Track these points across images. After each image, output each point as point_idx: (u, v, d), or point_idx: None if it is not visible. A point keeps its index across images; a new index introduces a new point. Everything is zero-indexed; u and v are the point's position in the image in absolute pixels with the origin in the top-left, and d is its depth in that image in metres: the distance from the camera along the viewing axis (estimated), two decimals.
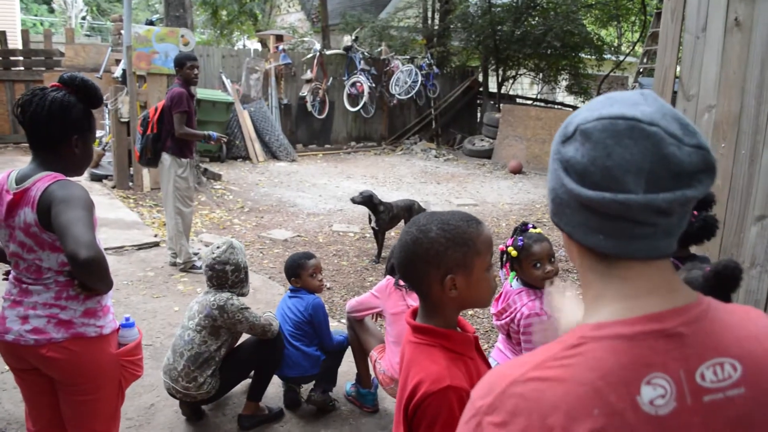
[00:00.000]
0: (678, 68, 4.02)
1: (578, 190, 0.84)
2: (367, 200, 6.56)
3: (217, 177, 10.08)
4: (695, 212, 2.64)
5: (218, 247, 3.27)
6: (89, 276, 1.92)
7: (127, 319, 2.26)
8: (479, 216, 8.73)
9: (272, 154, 12.71)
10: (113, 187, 8.83)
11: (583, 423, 0.78)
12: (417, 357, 1.48)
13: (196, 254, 6.00)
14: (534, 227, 2.88)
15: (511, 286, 2.80)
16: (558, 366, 0.82)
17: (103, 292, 2.09)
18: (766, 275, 3.49)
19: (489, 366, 1.57)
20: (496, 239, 7.82)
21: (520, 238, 2.77)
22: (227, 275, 3.21)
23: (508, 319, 2.75)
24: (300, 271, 3.55)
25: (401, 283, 3.24)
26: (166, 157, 5.67)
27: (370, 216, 6.66)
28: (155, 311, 4.89)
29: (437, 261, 1.43)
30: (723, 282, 2.03)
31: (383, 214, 6.57)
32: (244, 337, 3.43)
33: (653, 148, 0.80)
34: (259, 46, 15.82)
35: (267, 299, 5.29)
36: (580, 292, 1.00)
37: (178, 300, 5.15)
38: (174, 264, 5.90)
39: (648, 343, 0.82)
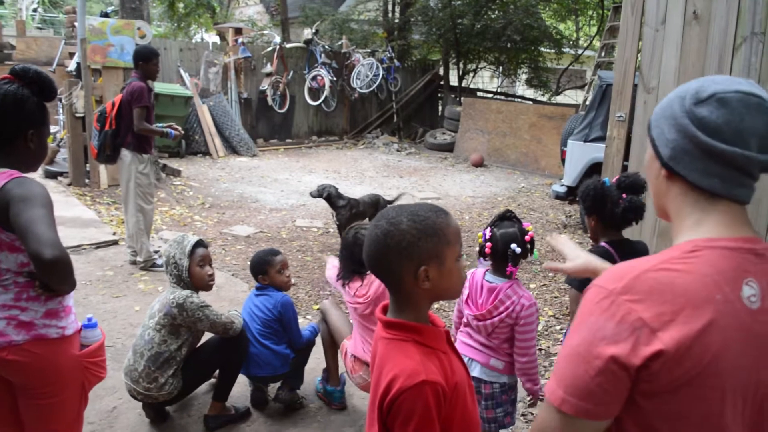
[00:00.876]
0: (638, 61, 4.08)
1: (710, 142, 1.09)
2: (324, 194, 6.52)
3: (176, 173, 9.90)
4: (624, 194, 2.69)
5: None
6: (53, 276, 1.84)
7: (90, 319, 2.18)
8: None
9: (233, 149, 12.53)
10: (69, 185, 8.60)
11: (707, 304, 1.03)
12: (390, 353, 1.46)
13: (156, 252, 5.88)
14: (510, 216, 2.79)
15: (488, 282, 2.72)
16: (683, 262, 1.07)
17: (65, 293, 2.01)
18: None
19: (461, 360, 1.56)
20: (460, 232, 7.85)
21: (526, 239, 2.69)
22: (167, 269, 3.16)
23: (503, 315, 2.65)
24: (267, 268, 3.48)
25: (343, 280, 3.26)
26: (126, 154, 5.52)
27: (333, 213, 6.61)
28: (115, 311, 4.77)
29: (410, 252, 1.42)
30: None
31: (343, 209, 6.52)
32: (208, 335, 3.36)
33: None
34: (217, 39, 15.59)
35: (231, 296, 5.21)
36: (673, 230, 1.22)
37: (138, 299, 5.04)
38: (134, 262, 5.77)
39: (745, 256, 1.09)
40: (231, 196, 9.12)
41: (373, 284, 3.15)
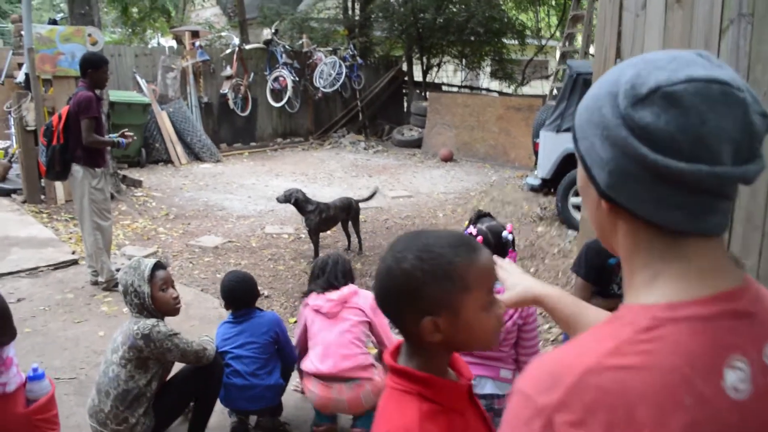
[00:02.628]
0: (619, 48, 3.90)
1: (661, 161, 0.75)
2: (291, 200, 6.27)
3: (137, 183, 9.51)
4: None
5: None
6: None
7: (35, 370, 1.91)
8: (416, 208, 8.55)
9: (195, 156, 12.15)
10: (23, 202, 8.15)
11: (675, 414, 0.72)
12: (388, 404, 1.21)
13: (118, 270, 5.55)
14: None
15: None
16: (637, 352, 0.74)
17: (4, 345, 1.74)
18: None
19: (485, 420, 1.29)
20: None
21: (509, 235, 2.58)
22: (123, 297, 2.90)
23: (515, 316, 2.54)
24: (257, 293, 3.29)
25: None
26: (77, 169, 5.18)
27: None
28: (77, 338, 4.45)
29: (413, 299, 1.15)
30: None
31: (312, 214, 6.26)
32: (179, 365, 3.09)
33: (743, 116, 0.75)
34: (174, 44, 15.15)
35: (200, 314, 4.91)
36: (624, 275, 0.89)
37: (102, 323, 4.71)
38: (96, 283, 5.43)
39: (724, 323, 0.77)
40: (196, 204, 8.78)
41: (345, 289, 3.19)
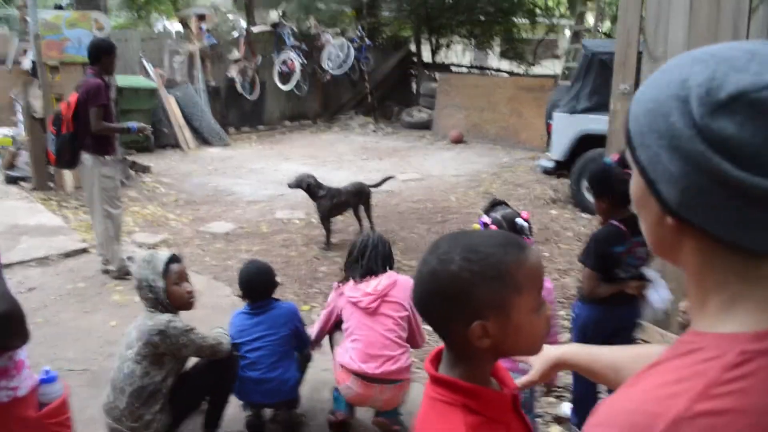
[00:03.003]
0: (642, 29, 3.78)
1: (747, 178, 0.66)
2: (303, 185, 6.17)
3: (146, 169, 9.45)
4: (628, 171, 2.52)
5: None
6: (3, 332, 1.51)
7: (47, 372, 1.84)
8: (427, 190, 8.45)
9: (203, 140, 12.08)
10: (32, 190, 8.11)
11: None
12: (430, 416, 1.13)
13: (130, 258, 5.50)
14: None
15: None
16: (728, 393, 0.66)
17: (16, 348, 1.67)
18: None
19: (529, 430, 1.23)
20: (447, 213, 7.57)
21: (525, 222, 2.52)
22: (138, 292, 2.83)
23: None
24: (276, 283, 3.22)
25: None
26: (87, 157, 5.11)
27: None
28: (89, 329, 4.41)
29: (460, 302, 1.08)
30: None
31: (323, 200, 6.17)
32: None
33: None
34: (180, 28, 15.00)
35: (213, 303, 4.85)
36: (692, 294, 0.80)
37: (114, 313, 4.67)
38: (106, 272, 5.38)
39: None
40: (205, 190, 8.71)
41: (384, 279, 3.06)
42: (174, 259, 2.90)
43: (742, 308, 0.73)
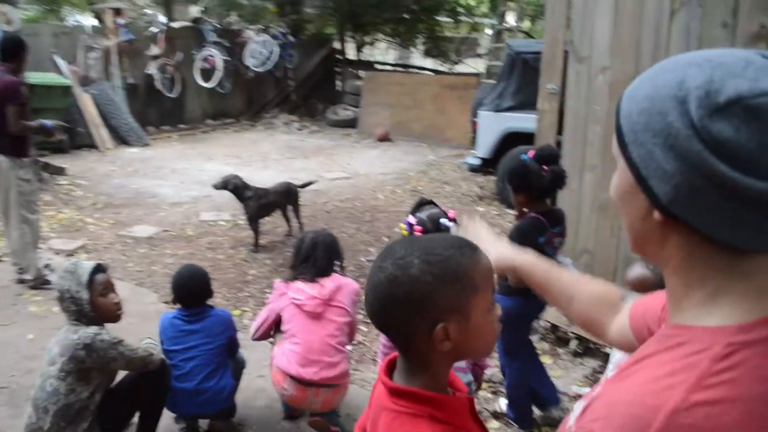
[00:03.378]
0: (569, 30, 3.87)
1: (740, 179, 0.69)
2: (229, 186, 6.02)
3: (60, 171, 8.99)
4: (545, 166, 2.88)
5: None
6: None
7: None
8: (355, 189, 8.40)
9: (122, 140, 11.60)
10: None
11: None
12: (394, 431, 1.11)
13: (47, 266, 5.22)
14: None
15: None
16: (720, 383, 0.70)
17: None
18: None
19: None
20: (375, 212, 7.57)
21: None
22: (59, 303, 2.66)
23: None
24: (210, 288, 3.08)
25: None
26: (2, 159, 4.79)
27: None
28: (5, 343, 4.14)
29: (423, 306, 1.07)
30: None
31: (251, 201, 6.03)
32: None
33: None
34: (95, 22, 14.37)
35: (138, 310, 4.65)
36: (672, 287, 0.84)
37: (31, 325, 4.41)
38: (22, 281, 5.07)
39: None
40: (126, 192, 8.37)
41: (329, 282, 3.02)
42: (99, 268, 2.75)
43: (725, 302, 0.76)
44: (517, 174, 2.96)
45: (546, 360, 3.96)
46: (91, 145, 11.07)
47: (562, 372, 3.83)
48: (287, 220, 6.60)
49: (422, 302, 1.06)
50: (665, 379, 0.72)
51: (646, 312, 1.13)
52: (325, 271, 3.04)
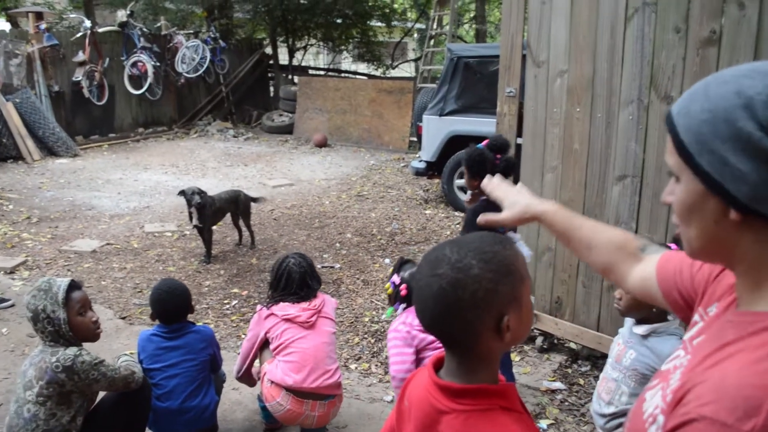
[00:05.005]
0: (525, 34, 3.97)
1: None
2: (198, 201, 5.72)
3: None
4: (498, 156, 3.14)
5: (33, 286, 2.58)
6: None
7: None
8: (300, 196, 8.33)
9: (49, 151, 11.11)
10: None
11: None
12: (482, 430, 1.13)
13: None
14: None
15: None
16: None
17: None
18: (630, 232, 3.58)
19: (530, 416, 1.26)
20: (324, 218, 7.54)
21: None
22: (32, 325, 2.52)
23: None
24: (191, 303, 3.00)
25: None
26: None
27: (190, 213, 5.92)
28: None
29: (490, 303, 1.11)
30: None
31: (205, 209, 5.86)
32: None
33: None
34: (9, 26, 13.72)
35: None
36: (745, 282, 0.92)
37: None
38: None
39: None
40: (60, 205, 8.03)
41: (316, 298, 3.06)
42: (74, 285, 2.63)
43: None
44: (475, 161, 3.14)
45: (514, 357, 4.05)
46: (17, 157, 10.58)
47: (531, 368, 3.92)
48: (239, 229, 6.50)
49: (488, 299, 1.10)
50: (764, 362, 0.78)
51: (678, 275, 1.21)
52: (307, 298, 3.02)
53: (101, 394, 2.77)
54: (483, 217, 1.53)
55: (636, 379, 2.23)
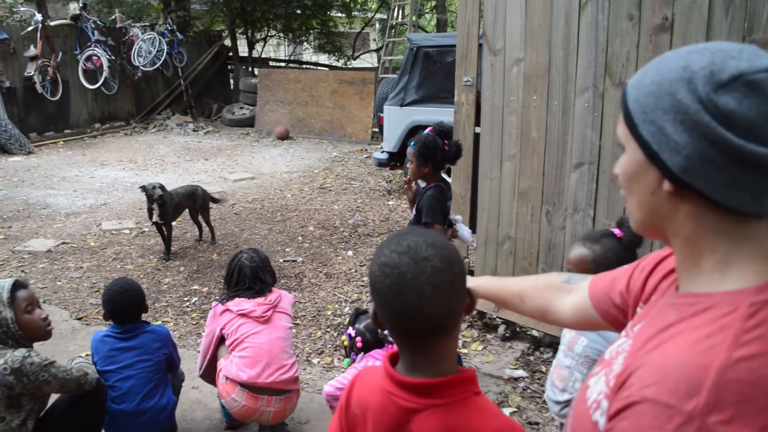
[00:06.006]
0: (481, 23, 3.96)
1: (745, 146, 0.78)
2: (161, 197, 5.60)
3: None
4: (446, 141, 3.25)
5: None
6: None
7: None
8: (261, 189, 8.23)
9: (2, 148, 10.80)
10: None
11: None
12: (466, 417, 1.12)
13: None
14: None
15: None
16: (755, 339, 0.77)
17: None
18: (588, 219, 3.61)
19: None
20: (286, 212, 7.47)
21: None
22: None
23: None
24: (145, 303, 2.94)
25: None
26: None
27: (150, 209, 5.80)
28: None
29: (464, 279, 1.15)
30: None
31: (167, 205, 5.75)
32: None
33: None
34: None
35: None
36: (683, 258, 0.92)
37: None
38: None
39: None
40: (14, 204, 7.80)
41: (272, 293, 3.04)
42: (19, 284, 2.55)
43: (738, 267, 0.85)
44: (430, 147, 3.20)
45: (476, 347, 4.06)
46: None
47: (494, 357, 3.93)
48: (198, 225, 6.40)
49: (464, 275, 1.14)
50: (705, 341, 0.78)
51: (610, 287, 1.22)
52: (262, 293, 3.00)
53: (54, 397, 2.69)
54: None
55: (588, 365, 2.23)
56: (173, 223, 6.12)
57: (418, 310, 1.07)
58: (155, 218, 5.75)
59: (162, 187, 5.66)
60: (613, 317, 1.20)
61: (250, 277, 2.95)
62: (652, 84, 0.86)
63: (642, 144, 0.87)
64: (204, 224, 6.37)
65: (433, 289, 1.06)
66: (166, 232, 5.88)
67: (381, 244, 1.16)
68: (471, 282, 1.46)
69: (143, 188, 5.71)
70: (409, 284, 1.06)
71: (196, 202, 6.20)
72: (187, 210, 6.21)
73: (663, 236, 0.94)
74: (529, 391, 3.57)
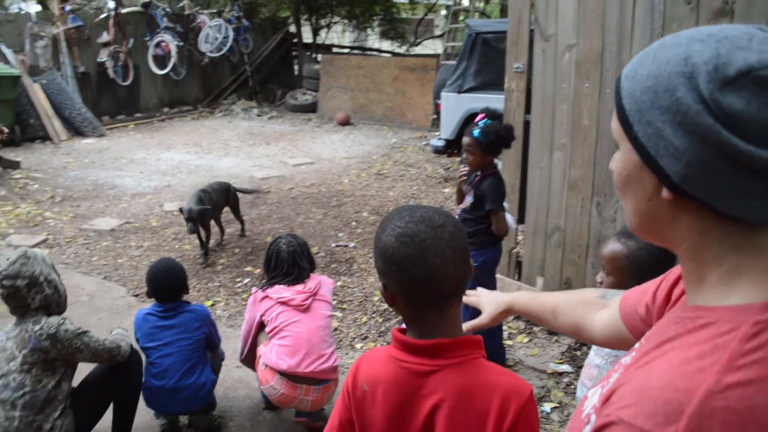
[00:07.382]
0: (533, 8, 3.87)
1: (755, 152, 0.67)
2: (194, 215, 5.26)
3: (14, 165, 8.71)
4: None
5: (8, 260, 2.58)
6: None
7: None
8: (320, 174, 8.28)
9: (76, 131, 11.28)
10: None
11: None
12: (482, 376, 1.21)
13: None
14: None
15: None
16: (752, 363, 0.68)
17: None
18: None
19: None
20: (342, 197, 7.53)
21: None
22: (22, 293, 2.51)
23: None
24: (187, 283, 3.03)
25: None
26: None
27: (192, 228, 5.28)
28: None
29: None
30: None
31: (209, 211, 5.47)
32: None
33: None
34: (39, 8, 13.87)
35: (107, 305, 4.56)
36: (687, 269, 0.82)
37: None
38: None
39: None
40: (84, 184, 8.15)
41: (309, 281, 3.04)
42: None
43: (745, 280, 0.75)
44: (497, 135, 3.18)
45: (521, 339, 4.01)
46: (45, 137, 10.76)
47: (539, 350, 3.87)
48: (240, 220, 6.23)
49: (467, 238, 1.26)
50: (695, 362, 0.70)
51: (637, 302, 1.13)
52: (300, 278, 3.01)
53: (90, 367, 2.81)
54: (468, 325, 1.53)
55: None
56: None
57: (441, 274, 1.17)
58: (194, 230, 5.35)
59: (200, 207, 5.34)
60: (641, 333, 1.08)
61: (288, 262, 2.98)
62: (649, 77, 0.75)
63: (638, 147, 0.77)
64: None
65: (453, 252, 1.17)
66: (204, 236, 5.58)
67: (386, 220, 1.23)
68: (507, 297, 1.54)
69: (181, 211, 5.39)
70: (431, 250, 1.15)
71: (229, 198, 5.96)
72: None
73: (661, 242, 0.85)
74: (572, 387, 3.50)
